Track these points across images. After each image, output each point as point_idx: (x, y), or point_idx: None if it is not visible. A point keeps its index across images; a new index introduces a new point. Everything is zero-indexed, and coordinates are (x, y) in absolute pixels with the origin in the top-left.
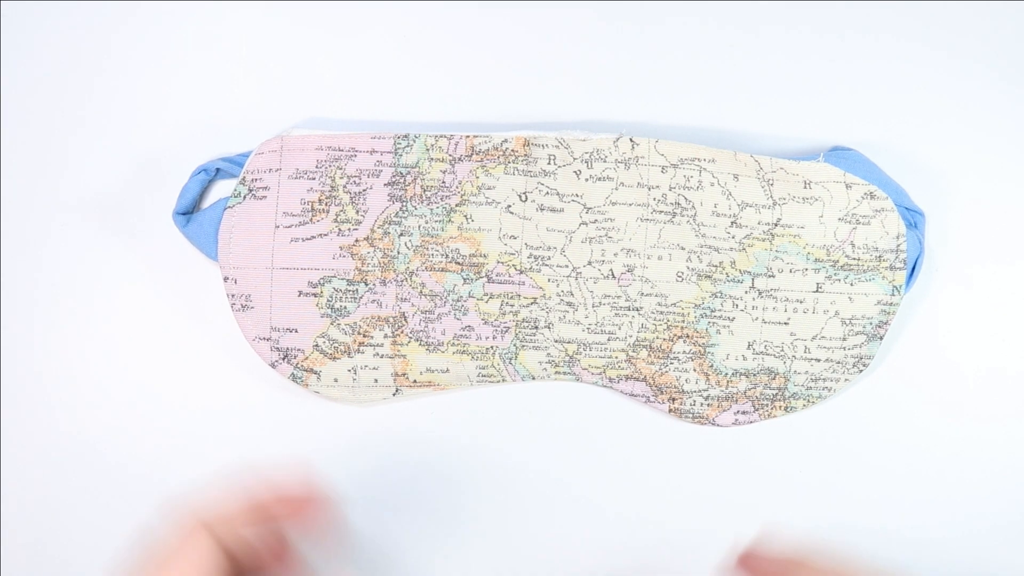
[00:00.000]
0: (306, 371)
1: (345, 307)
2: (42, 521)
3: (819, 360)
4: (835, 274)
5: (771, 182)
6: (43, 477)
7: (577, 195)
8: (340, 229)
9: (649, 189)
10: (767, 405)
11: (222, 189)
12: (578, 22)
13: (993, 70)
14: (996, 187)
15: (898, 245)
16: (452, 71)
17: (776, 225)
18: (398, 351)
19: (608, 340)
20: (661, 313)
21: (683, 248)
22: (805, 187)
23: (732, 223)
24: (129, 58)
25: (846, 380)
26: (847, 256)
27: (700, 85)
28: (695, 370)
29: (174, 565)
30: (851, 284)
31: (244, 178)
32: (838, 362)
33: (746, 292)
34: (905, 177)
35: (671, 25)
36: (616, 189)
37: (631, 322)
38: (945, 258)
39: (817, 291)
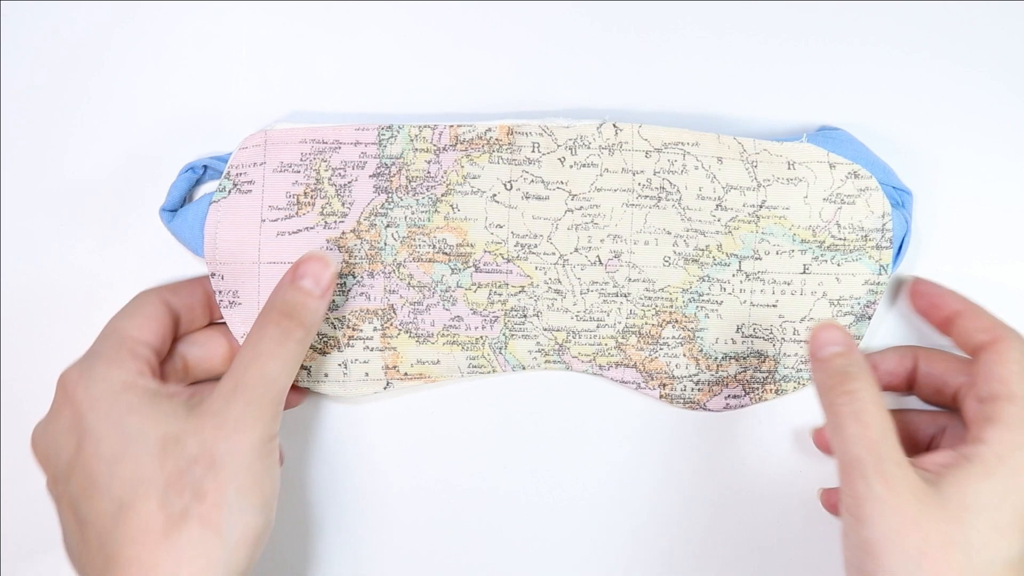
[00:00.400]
0: None
1: (333, 301)
2: (41, 521)
3: (808, 342)
4: (822, 255)
5: (755, 164)
6: (41, 476)
7: (562, 182)
8: (326, 222)
9: (634, 174)
10: (758, 388)
11: (211, 187)
12: (560, 12)
13: (985, 55)
14: (990, 174)
15: (884, 224)
16: (439, 64)
17: (761, 207)
18: (388, 343)
19: (597, 327)
20: (649, 299)
21: (669, 232)
22: (789, 168)
23: (717, 206)
24: (125, 56)
25: None
26: (833, 236)
27: (685, 70)
28: (685, 355)
29: (124, 313)
30: (838, 265)
31: (228, 172)
32: None
33: (733, 275)
34: (897, 161)
35: (654, 9)
36: (601, 175)
37: (619, 308)
38: (939, 244)
39: (804, 272)
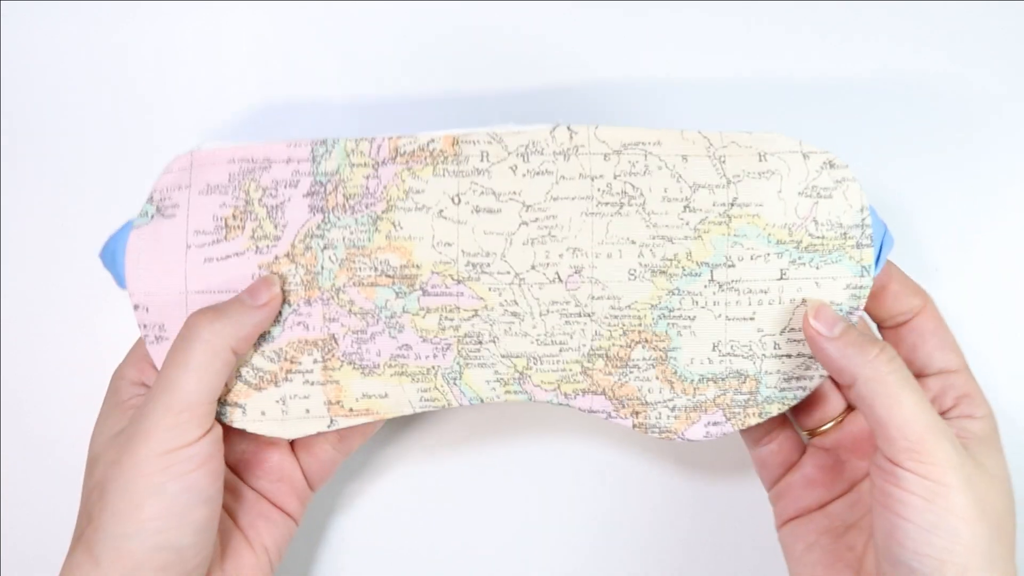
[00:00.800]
0: (230, 406)
1: (269, 332)
2: (42, 523)
3: (790, 356)
4: (799, 257)
5: (723, 159)
6: (40, 480)
7: (515, 193)
8: (258, 246)
9: (592, 179)
10: (739, 413)
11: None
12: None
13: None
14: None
15: (863, 219)
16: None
17: (732, 205)
18: (330, 377)
19: (560, 351)
20: (615, 317)
21: (634, 242)
22: (760, 160)
23: (685, 207)
24: (126, 56)
25: (820, 376)
26: (810, 235)
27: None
28: (658, 378)
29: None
30: (817, 268)
31: (152, 197)
32: (810, 356)
33: (705, 286)
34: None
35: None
36: (556, 183)
37: (583, 330)
38: (941, 257)
39: (781, 278)
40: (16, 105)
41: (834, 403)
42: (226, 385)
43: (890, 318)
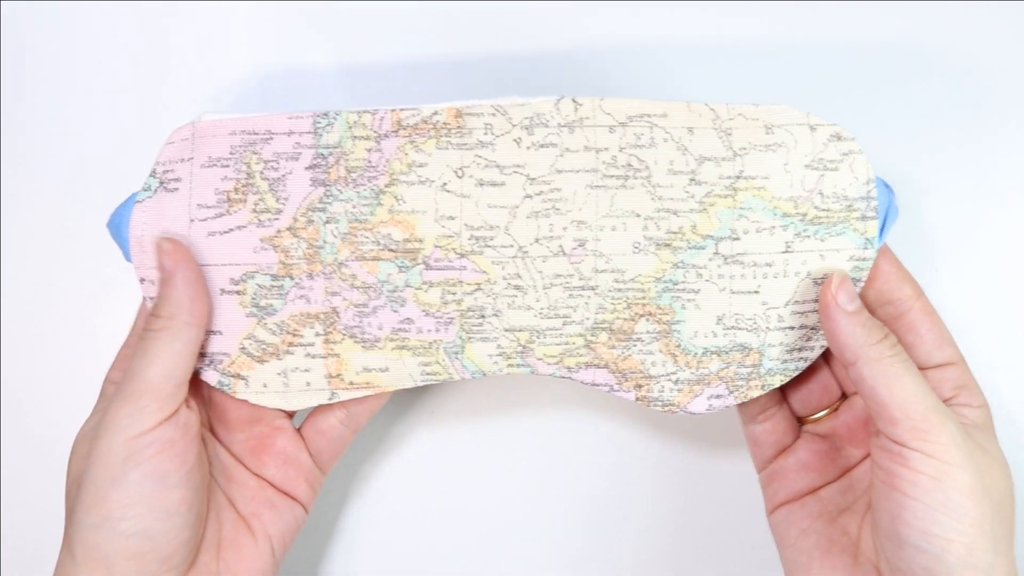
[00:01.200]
0: (233, 377)
1: (271, 304)
2: (42, 523)
3: (793, 328)
4: (804, 230)
5: (729, 131)
6: (40, 480)
7: (519, 165)
8: (260, 220)
9: (597, 152)
10: (742, 386)
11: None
12: None
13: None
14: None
15: (868, 192)
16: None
17: (739, 178)
18: (331, 350)
19: (563, 325)
20: (619, 290)
21: (638, 215)
22: (767, 132)
23: (691, 180)
24: (126, 55)
25: (820, 347)
26: (816, 208)
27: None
28: (661, 351)
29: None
30: (821, 240)
31: (155, 170)
32: (812, 328)
33: (710, 259)
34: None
35: None
36: (561, 156)
37: (587, 303)
38: (944, 254)
39: (786, 251)
40: (16, 104)
41: (830, 391)
42: (228, 356)
43: (880, 305)
